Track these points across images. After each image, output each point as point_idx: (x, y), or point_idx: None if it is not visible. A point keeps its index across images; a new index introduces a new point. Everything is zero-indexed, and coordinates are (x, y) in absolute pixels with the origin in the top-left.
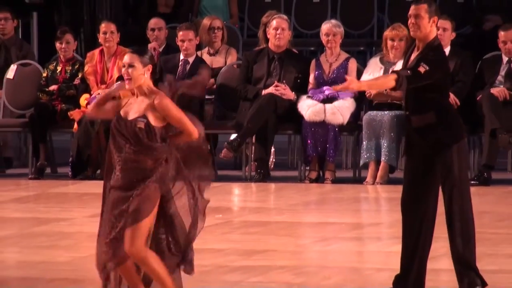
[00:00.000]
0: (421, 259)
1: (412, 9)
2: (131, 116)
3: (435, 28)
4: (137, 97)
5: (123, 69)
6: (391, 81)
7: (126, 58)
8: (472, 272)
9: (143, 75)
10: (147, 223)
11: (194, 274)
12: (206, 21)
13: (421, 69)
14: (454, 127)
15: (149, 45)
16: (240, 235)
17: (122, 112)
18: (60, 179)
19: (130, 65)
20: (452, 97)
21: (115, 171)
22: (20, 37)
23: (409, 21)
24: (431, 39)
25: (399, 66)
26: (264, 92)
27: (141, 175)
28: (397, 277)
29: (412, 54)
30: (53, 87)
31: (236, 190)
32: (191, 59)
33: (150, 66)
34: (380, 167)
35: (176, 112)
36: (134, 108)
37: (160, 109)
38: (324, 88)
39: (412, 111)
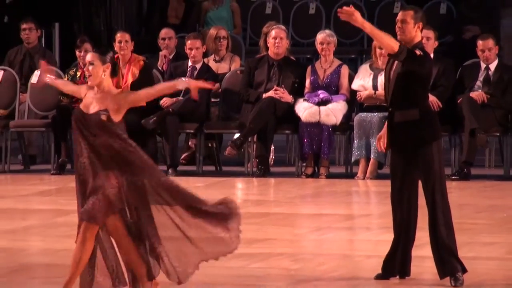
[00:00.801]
0: (405, 246)
1: (399, 15)
2: (92, 110)
3: (420, 33)
4: (96, 93)
5: (85, 67)
6: (395, 44)
7: (88, 56)
8: (454, 259)
9: (102, 72)
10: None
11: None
12: (212, 31)
13: (417, 52)
14: (435, 126)
15: (160, 53)
16: (243, 225)
17: (82, 106)
18: None
19: (91, 63)
20: (435, 100)
21: (81, 159)
22: (43, 45)
23: (396, 26)
24: (416, 42)
25: None
26: (264, 95)
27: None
28: (385, 261)
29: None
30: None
31: (239, 184)
32: (198, 66)
33: (108, 65)
34: (370, 164)
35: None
36: (93, 102)
37: (117, 101)
38: (319, 92)
39: (396, 107)
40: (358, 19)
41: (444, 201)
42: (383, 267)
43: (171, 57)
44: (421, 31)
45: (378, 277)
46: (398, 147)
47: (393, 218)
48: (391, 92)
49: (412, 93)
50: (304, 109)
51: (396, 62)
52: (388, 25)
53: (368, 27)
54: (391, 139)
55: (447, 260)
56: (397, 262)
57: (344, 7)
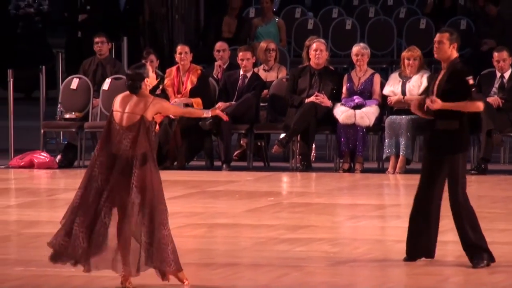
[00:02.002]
0: (432, 231)
1: (436, 36)
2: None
3: (455, 52)
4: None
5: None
6: (475, 104)
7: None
8: (481, 251)
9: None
10: None
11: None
12: (263, 44)
13: (470, 81)
14: (466, 139)
15: (216, 63)
16: (288, 213)
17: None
18: None
19: None
20: (496, 99)
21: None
22: (113, 56)
23: (434, 46)
24: (452, 59)
25: (414, 80)
26: (307, 100)
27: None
28: (410, 245)
29: (440, 74)
30: None
31: (285, 178)
32: (249, 74)
33: (146, 80)
34: (399, 160)
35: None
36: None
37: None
38: (354, 97)
39: (439, 116)
40: (440, 105)
41: (467, 202)
42: (409, 251)
43: (225, 66)
44: (456, 50)
45: (406, 259)
46: (432, 151)
47: (415, 208)
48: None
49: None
50: (341, 113)
51: (439, 77)
52: (415, 39)
53: (449, 106)
54: (430, 144)
55: (475, 252)
56: (423, 245)
57: (428, 101)
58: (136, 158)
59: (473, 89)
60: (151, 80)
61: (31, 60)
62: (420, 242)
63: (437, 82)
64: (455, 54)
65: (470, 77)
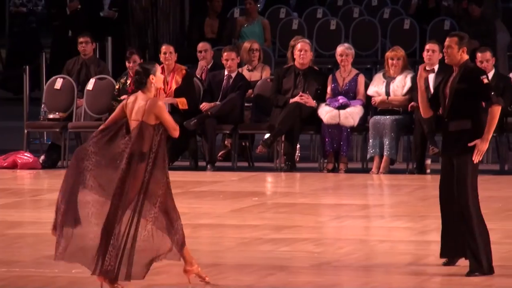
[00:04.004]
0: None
1: (446, 41)
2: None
3: (465, 55)
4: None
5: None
6: (499, 111)
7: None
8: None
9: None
10: None
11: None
12: (247, 44)
13: (485, 80)
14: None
15: (199, 63)
16: (272, 214)
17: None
18: None
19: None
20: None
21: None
22: (97, 56)
23: (444, 50)
24: (463, 61)
25: (398, 80)
26: (291, 100)
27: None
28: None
29: (451, 76)
30: (124, 97)
31: (269, 178)
32: (233, 74)
33: (152, 76)
34: (383, 160)
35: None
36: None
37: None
38: (339, 97)
39: (451, 117)
40: (484, 146)
41: (476, 209)
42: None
43: (209, 67)
44: (467, 53)
45: (445, 263)
46: (447, 152)
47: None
48: (448, 106)
49: (465, 107)
50: (326, 113)
51: (451, 79)
52: (399, 40)
53: (487, 133)
54: (443, 145)
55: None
56: (457, 245)
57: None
58: (132, 156)
59: (493, 93)
60: (157, 79)
61: (22, 60)
62: (453, 243)
63: (449, 84)
64: (464, 57)
65: (484, 76)
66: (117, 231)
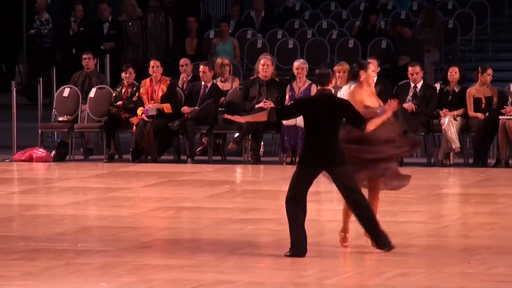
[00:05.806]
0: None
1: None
2: None
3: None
4: None
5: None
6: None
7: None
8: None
9: None
10: None
11: None
12: (219, 60)
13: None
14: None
15: (181, 75)
16: (241, 198)
17: None
18: (124, 162)
19: None
20: (411, 105)
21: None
22: (98, 70)
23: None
24: None
25: (343, 89)
26: (256, 106)
27: None
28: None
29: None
30: (120, 103)
31: (238, 169)
32: (209, 85)
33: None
34: None
35: None
36: None
37: None
38: None
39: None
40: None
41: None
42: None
43: (189, 78)
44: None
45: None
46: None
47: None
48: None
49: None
50: None
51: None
52: (344, 56)
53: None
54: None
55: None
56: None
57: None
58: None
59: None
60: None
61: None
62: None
63: None
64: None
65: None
66: None
